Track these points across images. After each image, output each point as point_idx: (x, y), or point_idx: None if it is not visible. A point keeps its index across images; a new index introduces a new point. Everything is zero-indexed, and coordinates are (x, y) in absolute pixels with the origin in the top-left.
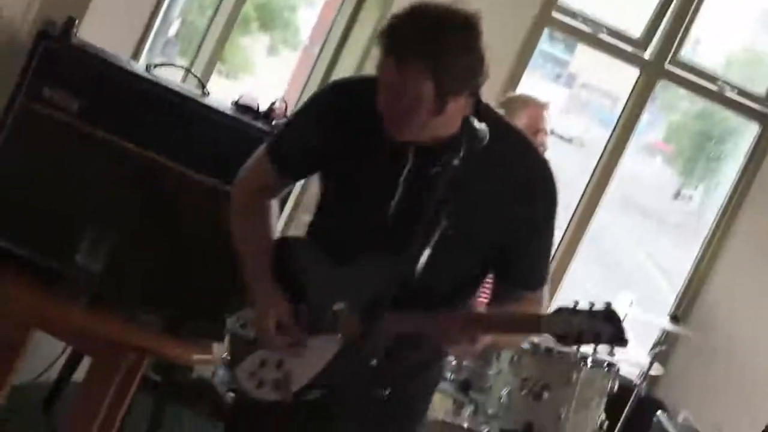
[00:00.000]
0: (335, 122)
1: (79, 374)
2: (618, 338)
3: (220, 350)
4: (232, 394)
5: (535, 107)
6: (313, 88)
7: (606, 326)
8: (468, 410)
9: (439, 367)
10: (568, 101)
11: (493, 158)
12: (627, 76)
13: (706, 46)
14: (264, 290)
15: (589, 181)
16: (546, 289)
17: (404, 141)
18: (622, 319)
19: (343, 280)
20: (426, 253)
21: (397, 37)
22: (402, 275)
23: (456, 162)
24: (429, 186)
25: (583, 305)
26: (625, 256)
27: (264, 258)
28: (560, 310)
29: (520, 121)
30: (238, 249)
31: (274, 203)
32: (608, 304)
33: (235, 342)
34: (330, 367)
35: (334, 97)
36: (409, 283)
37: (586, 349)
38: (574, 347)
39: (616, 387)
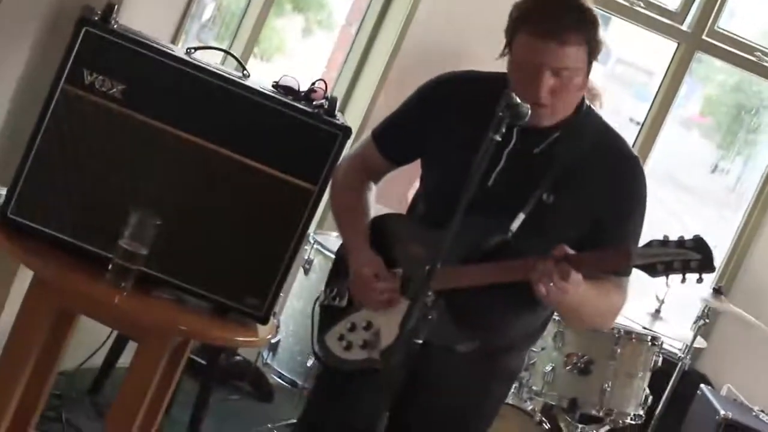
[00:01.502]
0: (441, 110)
1: (124, 359)
2: (707, 265)
3: (265, 332)
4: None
5: (594, 94)
6: (351, 68)
7: (695, 254)
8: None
9: (532, 324)
10: (604, 78)
11: (593, 145)
12: (662, 49)
13: (743, 17)
14: (360, 250)
15: None
16: (628, 282)
17: (541, 126)
18: (710, 246)
19: (438, 242)
20: (521, 217)
21: (552, 20)
22: (496, 235)
23: (558, 144)
24: (530, 162)
25: (672, 238)
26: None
27: (362, 225)
28: (650, 243)
29: None
30: (337, 217)
31: (374, 188)
32: (696, 235)
33: (325, 311)
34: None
35: (440, 87)
36: (503, 245)
37: (629, 324)
38: (664, 276)
39: (660, 361)
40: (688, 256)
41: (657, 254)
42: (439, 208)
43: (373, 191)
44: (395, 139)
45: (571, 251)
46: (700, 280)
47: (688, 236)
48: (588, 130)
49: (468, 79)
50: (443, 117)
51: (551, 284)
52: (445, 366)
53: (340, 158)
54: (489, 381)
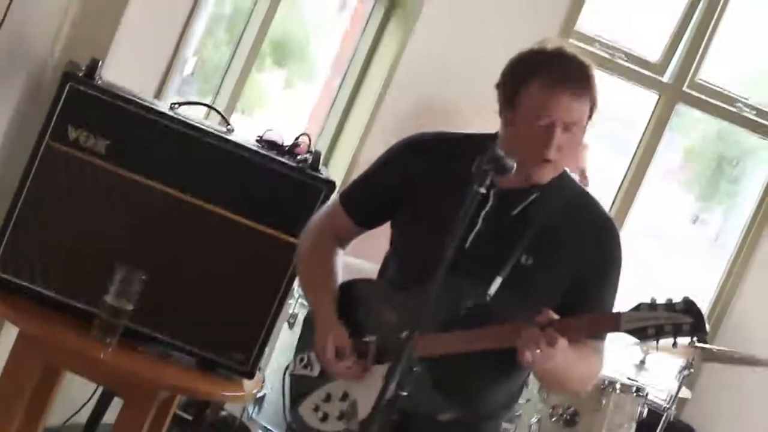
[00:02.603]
0: (417, 166)
1: (110, 416)
2: (699, 328)
3: (251, 387)
4: None
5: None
6: (335, 121)
7: (686, 317)
8: None
9: (509, 390)
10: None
11: (570, 207)
12: (643, 101)
13: (723, 68)
14: (325, 321)
15: (610, 210)
16: (604, 347)
17: (518, 188)
18: (700, 309)
19: (412, 308)
20: (498, 280)
21: (568, 71)
22: (473, 299)
23: (536, 206)
24: (508, 223)
25: (660, 300)
26: (647, 283)
27: (328, 293)
28: (639, 306)
29: None
30: (303, 283)
31: (341, 254)
32: (686, 298)
33: (297, 381)
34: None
35: (409, 149)
36: (480, 310)
37: (614, 375)
38: (654, 341)
39: (645, 412)
40: (679, 319)
41: (647, 318)
42: (411, 271)
43: (341, 256)
44: (363, 202)
45: (556, 316)
46: (692, 343)
47: (677, 299)
48: (564, 192)
49: (439, 140)
50: (413, 179)
51: (537, 351)
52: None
53: (307, 222)
54: None
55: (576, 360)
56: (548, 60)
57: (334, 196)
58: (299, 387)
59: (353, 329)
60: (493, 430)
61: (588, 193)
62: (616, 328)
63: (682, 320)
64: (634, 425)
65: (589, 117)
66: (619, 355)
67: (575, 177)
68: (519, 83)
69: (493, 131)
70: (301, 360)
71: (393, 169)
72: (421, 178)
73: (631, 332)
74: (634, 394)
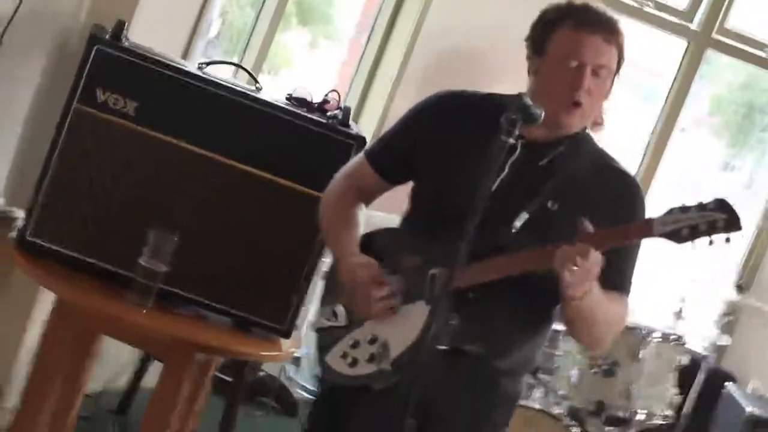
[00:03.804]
0: (442, 121)
1: (149, 380)
2: (733, 224)
3: (288, 346)
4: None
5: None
6: (362, 78)
7: (719, 214)
8: (538, 392)
9: (532, 349)
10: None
11: (594, 162)
12: (672, 49)
13: (751, 13)
14: (352, 255)
15: (642, 161)
16: (628, 302)
17: (559, 134)
18: (733, 205)
19: (435, 249)
20: (524, 216)
21: (596, 16)
22: (498, 236)
23: (561, 158)
24: (534, 173)
25: (691, 203)
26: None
27: (352, 234)
28: (671, 210)
29: None
30: (326, 232)
31: (364, 209)
32: (717, 197)
33: (324, 333)
34: (424, 332)
35: (436, 104)
36: (504, 246)
37: (652, 324)
38: (690, 242)
39: (684, 360)
40: (712, 217)
41: (680, 220)
42: (432, 219)
43: (363, 210)
44: (388, 158)
45: (591, 228)
46: (728, 240)
47: (707, 199)
48: (588, 148)
49: (463, 96)
50: (439, 134)
51: (575, 269)
52: (444, 385)
53: (333, 177)
54: (490, 409)
55: (604, 301)
56: (578, 8)
57: (360, 153)
58: (326, 339)
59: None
60: (513, 386)
61: (608, 153)
62: (650, 233)
63: (716, 217)
64: (674, 374)
65: (617, 70)
66: (656, 305)
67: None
68: (550, 29)
69: (515, 91)
70: (325, 312)
71: (417, 126)
72: (443, 134)
73: (666, 235)
74: (673, 343)
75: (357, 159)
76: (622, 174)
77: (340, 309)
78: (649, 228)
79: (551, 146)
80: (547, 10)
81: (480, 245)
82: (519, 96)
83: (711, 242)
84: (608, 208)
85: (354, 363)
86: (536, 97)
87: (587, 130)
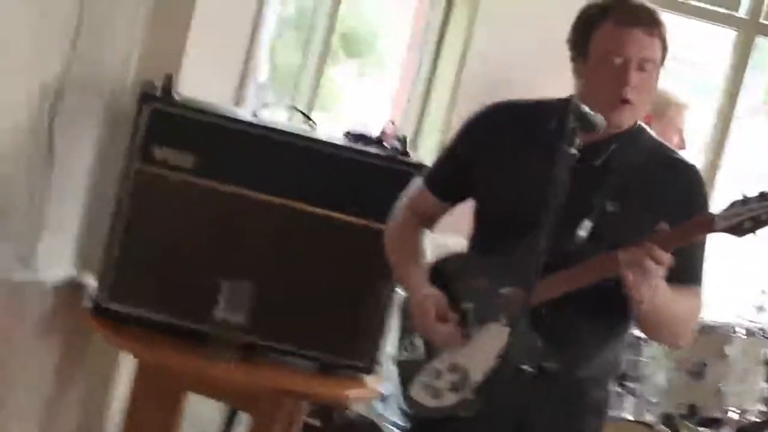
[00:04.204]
0: (493, 136)
1: None
2: None
3: (374, 383)
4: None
5: (679, 108)
6: (417, 103)
7: None
8: (628, 401)
9: (614, 353)
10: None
11: (651, 155)
12: (721, 40)
13: None
14: (418, 288)
15: (704, 155)
16: (702, 293)
17: (611, 133)
18: None
19: (504, 268)
20: (587, 224)
21: (635, 10)
22: (563, 246)
23: (617, 155)
24: (591, 174)
25: (751, 193)
26: None
27: (416, 265)
28: (733, 203)
29: (668, 119)
30: (392, 264)
31: (428, 233)
32: None
33: (404, 366)
34: (504, 353)
35: (485, 118)
36: (570, 256)
37: (735, 320)
38: (752, 233)
39: None
40: None
41: (741, 213)
42: (496, 237)
43: (427, 235)
44: (444, 178)
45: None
46: None
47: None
48: (642, 142)
49: (513, 106)
50: (493, 147)
51: (641, 272)
52: (532, 404)
53: (395, 205)
54: (579, 419)
55: (674, 297)
56: (616, 3)
57: (418, 177)
58: (407, 372)
59: (449, 302)
60: (599, 392)
61: (666, 144)
62: (711, 229)
63: None
64: (763, 368)
65: (662, 61)
66: (737, 300)
67: (674, 138)
68: (590, 29)
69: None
70: (404, 346)
71: (469, 142)
72: (497, 147)
73: (728, 230)
74: (759, 336)
75: (415, 185)
76: (681, 163)
77: (417, 340)
78: (710, 224)
79: (604, 145)
80: (585, 10)
81: (546, 259)
82: (576, 104)
83: None
84: (670, 201)
85: (437, 394)
86: (584, 98)
87: (640, 123)
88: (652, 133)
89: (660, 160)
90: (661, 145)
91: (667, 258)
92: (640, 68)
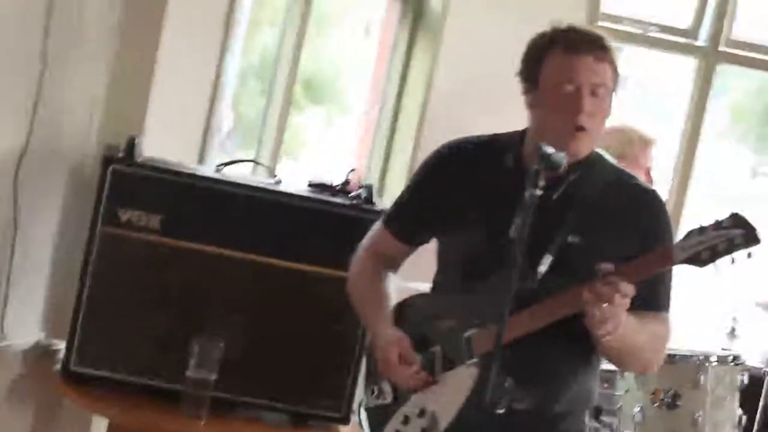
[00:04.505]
0: (450, 176)
1: None
2: (752, 237)
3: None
4: None
5: (644, 144)
6: (380, 148)
7: (736, 230)
8: None
9: (586, 384)
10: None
11: (609, 183)
12: (683, 68)
13: (755, 20)
14: (383, 332)
15: (672, 182)
16: (669, 318)
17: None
18: (749, 219)
19: (469, 309)
20: (548, 260)
21: (583, 36)
22: (525, 284)
23: (576, 185)
24: (550, 208)
25: (707, 223)
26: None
27: (383, 307)
28: (689, 234)
29: (633, 157)
30: (357, 309)
31: (392, 277)
32: (732, 212)
33: (373, 413)
34: (474, 394)
35: (443, 157)
36: (534, 293)
37: (707, 349)
38: (712, 264)
39: (746, 379)
40: (730, 234)
41: (698, 243)
42: (460, 278)
43: (392, 279)
44: (405, 221)
45: (611, 266)
46: (750, 256)
47: (723, 216)
48: (602, 170)
49: (468, 143)
50: (452, 186)
51: (604, 306)
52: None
53: (356, 251)
54: None
55: (641, 326)
56: (563, 32)
57: (379, 220)
58: (377, 418)
59: (415, 345)
60: (573, 426)
61: (625, 170)
62: (671, 261)
63: (733, 234)
64: (737, 394)
65: (614, 86)
66: (708, 329)
67: (639, 176)
68: (539, 59)
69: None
70: (372, 391)
71: (427, 184)
72: (455, 187)
73: (687, 261)
74: (732, 363)
75: (375, 228)
76: (642, 190)
77: (385, 385)
78: (669, 255)
79: (563, 176)
80: (533, 41)
81: (510, 298)
82: (540, 146)
83: (733, 261)
84: (632, 229)
85: None
86: (539, 129)
87: (597, 151)
88: (611, 159)
89: (619, 187)
90: (620, 172)
91: (630, 290)
92: (593, 94)
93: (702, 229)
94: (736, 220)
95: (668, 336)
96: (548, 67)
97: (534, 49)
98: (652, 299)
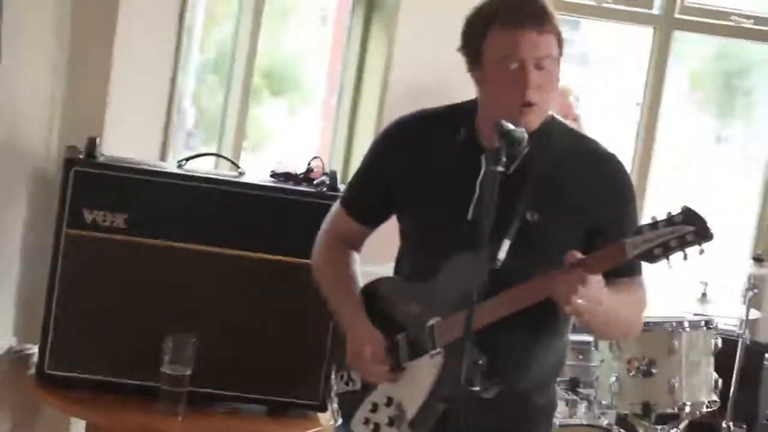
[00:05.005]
0: (402, 153)
1: None
2: (703, 234)
3: (327, 419)
4: None
5: (562, 96)
6: (342, 135)
7: (688, 227)
8: (582, 407)
9: (555, 357)
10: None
11: (566, 152)
12: (640, 38)
13: None
14: (354, 324)
15: (634, 153)
16: (644, 280)
17: (527, 129)
18: (701, 214)
19: (431, 296)
20: (506, 243)
21: (521, 8)
22: (486, 268)
23: (530, 159)
24: (505, 184)
25: (661, 216)
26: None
27: (349, 296)
28: (640, 229)
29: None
30: (325, 295)
31: (356, 255)
32: (684, 206)
33: (343, 399)
34: (439, 383)
35: (393, 135)
36: (495, 276)
37: (679, 314)
38: (665, 260)
39: (719, 342)
40: (681, 231)
41: (650, 239)
42: (423, 259)
43: (357, 260)
44: (362, 201)
45: (580, 255)
46: (702, 252)
47: (676, 210)
48: (556, 138)
49: (420, 118)
50: (405, 163)
51: (577, 295)
52: (475, 420)
53: (318, 234)
54: (524, 422)
55: (619, 297)
56: (500, 5)
57: (336, 202)
58: (346, 404)
59: (380, 329)
60: (543, 397)
61: (583, 134)
62: (624, 257)
63: (685, 231)
64: (711, 358)
65: (560, 53)
66: (679, 294)
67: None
68: (479, 37)
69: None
70: (342, 377)
71: (380, 162)
72: (408, 164)
73: (640, 257)
74: (705, 328)
75: (333, 211)
76: (600, 156)
77: (354, 373)
78: (622, 252)
79: (516, 151)
80: (469, 19)
81: (472, 283)
82: (500, 123)
83: (685, 257)
84: (594, 197)
85: (377, 428)
86: (487, 106)
87: (551, 117)
88: (566, 123)
89: (577, 156)
90: (576, 136)
91: (595, 281)
92: (538, 67)
93: (654, 225)
94: (688, 215)
95: (645, 299)
96: (489, 45)
97: (472, 28)
98: (626, 266)
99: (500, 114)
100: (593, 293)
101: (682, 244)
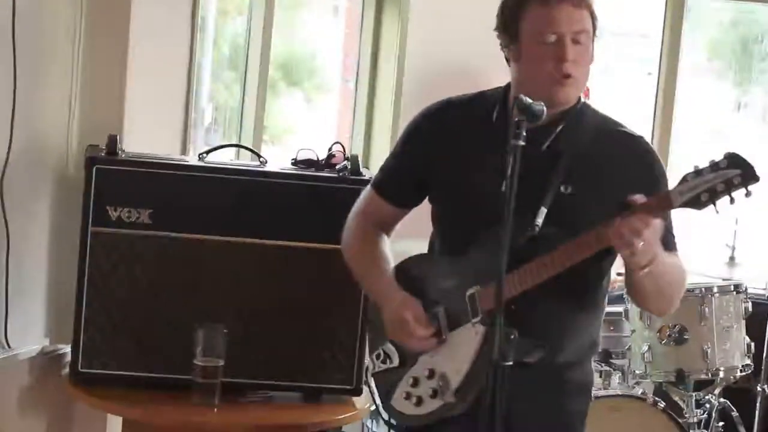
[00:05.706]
0: (438, 135)
1: None
2: (750, 176)
3: (363, 403)
4: None
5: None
6: (361, 120)
7: (734, 170)
8: (616, 377)
9: (590, 334)
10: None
11: (598, 132)
12: (654, 7)
13: None
14: (392, 295)
15: (653, 123)
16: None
17: (556, 113)
18: (745, 157)
19: (468, 267)
20: (543, 211)
21: None
22: (523, 237)
23: (565, 135)
24: (540, 159)
25: (703, 165)
26: None
27: (386, 271)
28: (684, 178)
29: None
30: (357, 276)
31: (387, 240)
32: (727, 152)
33: (381, 378)
34: (483, 351)
35: (427, 119)
36: (534, 244)
37: (708, 280)
38: (712, 205)
39: (750, 307)
40: (728, 175)
41: (696, 186)
42: (457, 236)
43: (387, 242)
44: (395, 184)
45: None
46: (748, 195)
47: (718, 157)
48: (588, 119)
49: (452, 103)
50: (439, 147)
51: (640, 238)
52: (515, 394)
53: (348, 217)
54: (565, 401)
55: (670, 262)
56: None
57: (368, 186)
58: (385, 382)
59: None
60: (579, 374)
61: (612, 117)
62: (670, 206)
63: (731, 174)
64: (743, 323)
65: (594, 31)
66: (707, 260)
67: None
68: (517, 13)
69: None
70: (378, 356)
71: (415, 147)
72: (443, 147)
73: (687, 205)
74: (734, 292)
75: (365, 194)
76: (630, 137)
77: (390, 348)
78: (668, 201)
79: (551, 127)
80: None
81: (509, 253)
82: (518, 97)
83: (732, 201)
84: (625, 176)
85: (419, 402)
86: (524, 82)
87: (583, 100)
88: (597, 108)
89: (608, 136)
90: (607, 120)
91: (657, 223)
92: (575, 41)
93: (698, 172)
94: (733, 160)
95: (686, 275)
96: (527, 19)
97: (510, 4)
98: (665, 241)
99: (538, 88)
100: (653, 237)
101: (729, 187)
